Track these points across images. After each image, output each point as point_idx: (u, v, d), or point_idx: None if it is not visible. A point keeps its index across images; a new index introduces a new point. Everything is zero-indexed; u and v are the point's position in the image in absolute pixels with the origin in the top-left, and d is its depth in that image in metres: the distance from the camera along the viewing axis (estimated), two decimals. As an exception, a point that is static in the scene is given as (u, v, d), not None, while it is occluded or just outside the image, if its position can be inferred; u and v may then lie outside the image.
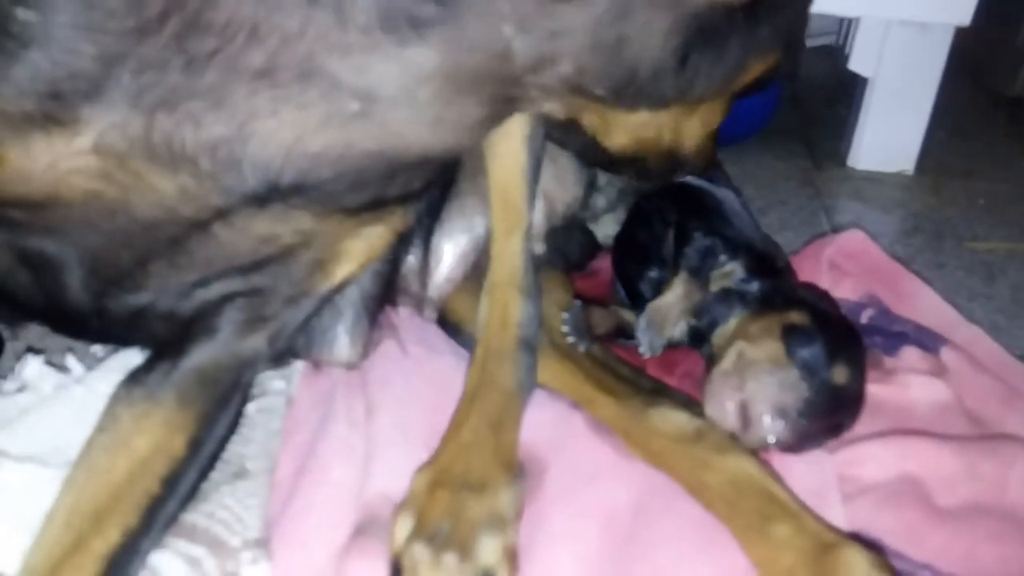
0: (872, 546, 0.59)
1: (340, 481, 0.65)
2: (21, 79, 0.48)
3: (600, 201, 0.88)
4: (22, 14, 0.47)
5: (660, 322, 0.74)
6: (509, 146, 0.69)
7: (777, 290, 0.73)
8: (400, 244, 0.72)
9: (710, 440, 0.66)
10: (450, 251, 0.76)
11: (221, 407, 0.61)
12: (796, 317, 0.68)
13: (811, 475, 0.66)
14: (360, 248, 0.63)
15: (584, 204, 0.85)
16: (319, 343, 0.71)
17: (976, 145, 1.44)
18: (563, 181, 0.81)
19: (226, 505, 0.59)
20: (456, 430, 0.67)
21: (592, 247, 0.92)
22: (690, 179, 0.85)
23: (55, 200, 0.52)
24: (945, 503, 0.66)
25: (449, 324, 0.80)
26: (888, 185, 1.28)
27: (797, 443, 0.65)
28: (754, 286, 0.74)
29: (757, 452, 0.65)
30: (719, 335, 0.73)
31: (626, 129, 0.67)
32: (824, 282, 0.89)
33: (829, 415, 0.65)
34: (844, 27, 1.45)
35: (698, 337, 0.76)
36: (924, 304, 0.89)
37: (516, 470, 0.64)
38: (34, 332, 0.74)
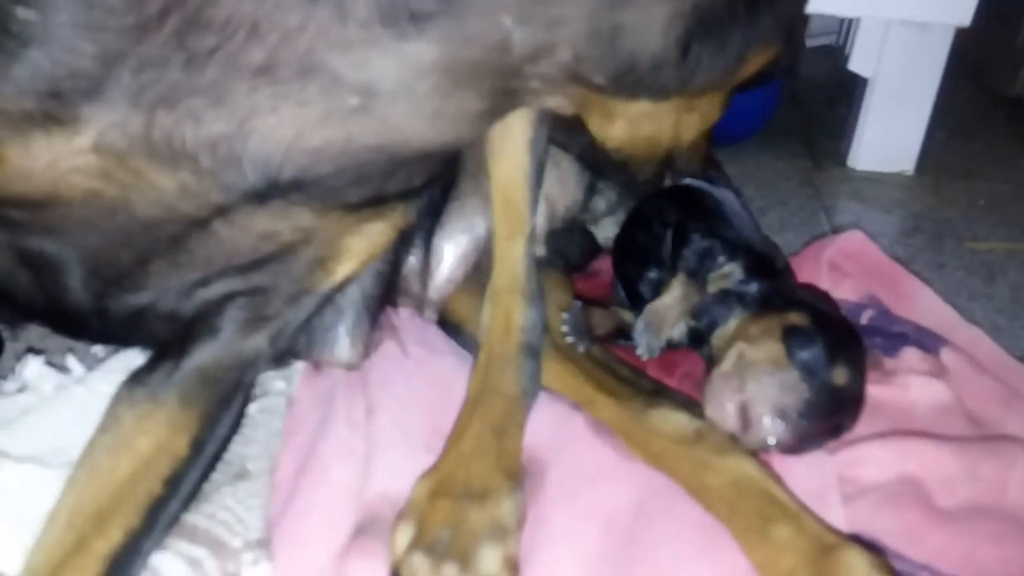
0: (872, 547, 0.59)
1: (340, 481, 0.65)
2: (21, 78, 0.48)
3: (600, 204, 0.88)
4: (22, 13, 0.47)
5: (658, 324, 0.74)
6: (512, 150, 0.69)
7: (776, 291, 0.73)
8: (401, 244, 0.72)
9: (710, 441, 0.66)
10: (451, 252, 0.76)
11: (223, 407, 0.61)
12: (796, 318, 0.68)
13: (811, 476, 0.66)
14: (361, 245, 0.63)
15: (584, 207, 0.86)
16: (320, 344, 0.72)
17: (976, 145, 1.44)
18: (565, 184, 0.81)
19: (227, 506, 0.59)
20: (458, 437, 0.67)
21: (592, 248, 0.92)
22: (690, 180, 0.85)
23: (55, 199, 0.52)
24: (945, 504, 0.66)
25: (450, 325, 0.80)
26: (888, 185, 1.28)
27: (797, 444, 0.65)
28: (753, 287, 0.74)
29: (757, 453, 0.65)
30: (719, 336, 0.73)
31: (627, 122, 0.67)
32: (824, 283, 0.89)
33: (829, 416, 0.65)
34: (844, 27, 1.45)
35: (698, 338, 0.76)
36: (924, 305, 0.89)
37: (518, 477, 0.64)
38: (34, 333, 0.74)
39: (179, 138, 0.51)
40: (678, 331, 0.76)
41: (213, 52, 0.49)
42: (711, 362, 0.71)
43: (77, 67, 0.48)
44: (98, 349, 0.73)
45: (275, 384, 0.73)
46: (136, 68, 0.49)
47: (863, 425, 0.69)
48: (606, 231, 0.91)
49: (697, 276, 0.76)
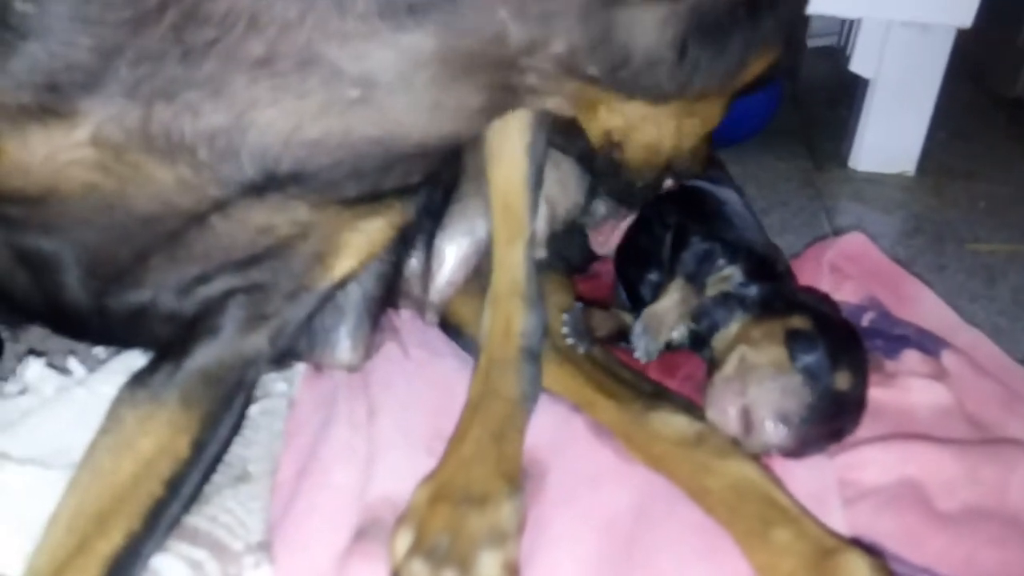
0: (872, 550, 0.59)
1: (342, 484, 0.65)
2: (18, 71, 0.48)
3: (600, 206, 0.88)
4: (20, 6, 0.47)
5: (655, 328, 0.74)
6: (510, 154, 0.69)
7: (777, 294, 0.73)
8: (402, 245, 0.72)
9: (711, 444, 0.66)
10: (452, 254, 0.76)
11: (225, 407, 0.61)
12: (798, 322, 0.68)
13: (811, 479, 0.66)
14: (360, 242, 0.63)
15: (585, 209, 0.86)
16: (321, 345, 0.72)
17: (977, 147, 1.44)
18: (566, 186, 0.81)
19: (228, 508, 0.59)
20: (458, 442, 0.67)
21: (592, 251, 0.92)
22: (693, 181, 0.85)
23: (52, 193, 0.52)
24: (946, 507, 0.66)
25: (450, 326, 0.80)
26: (889, 186, 1.28)
27: (799, 448, 0.65)
28: (753, 290, 0.74)
29: (758, 456, 0.65)
30: (720, 339, 0.73)
31: (627, 125, 0.67)
32: (825, 285, 0.89)
33: (831, 420, 0.65)
34: (845, 28, 1.45)
35: (699, 341, 0.76)
36: (925, 307, 0.89)
37: (519, 482, 0.64)
38: (35, 334, 0.74)
39: (177, 131, 0.51)
40: (678, 333, 0.76)
41: (211, 45, 0.49)
42: (712, 365, 0.71)
43: (74, 60, 0.48)
44: (99, 351, 0.74)
45: (276, 386, 0.73)
46: (134, 61, 0.49)
47: (864, 428, 0.69)
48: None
49: (696, 279, 0.76)
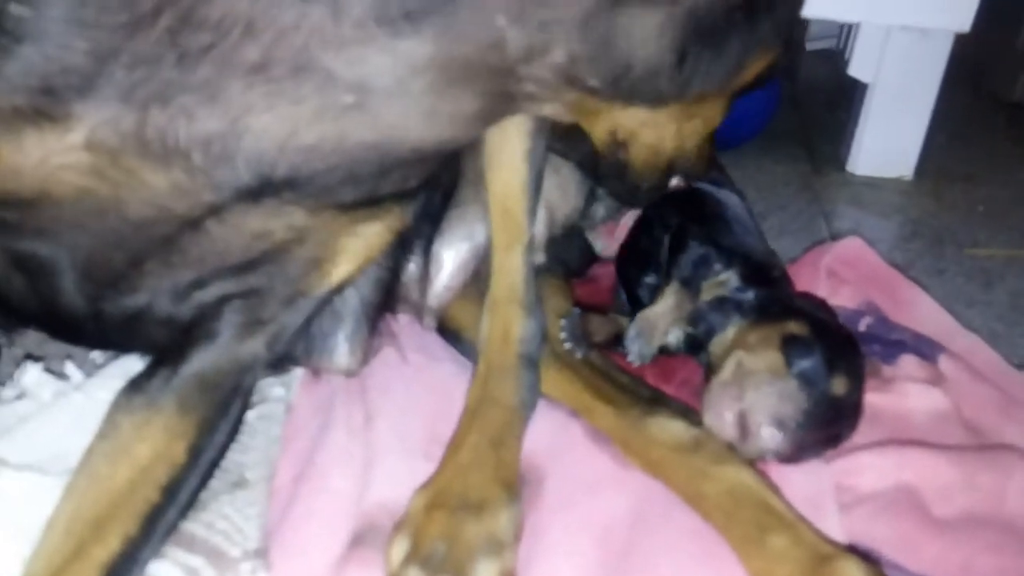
0: (869, 557, 0.59)
1: (339, 489, 0.65)
2: (13, 74, 0.48)
3: (599, 210, 0.88)
4: (15, 9, 0.47)
5: (649, 332, 0.74)
6: (509, 161, 0.70)
7: (774, 299, 0.73)
8: (400, 250, 0.72)
9: (708, 450, 0.66)
10: (450, 259, 0.76)
11: (221, 413, 0.61)
12: (795, 327, 0.68)
13: (808, 484, 0.66)
14: (357, 247, 0.63)
15: (584, 213, 0.86)
16: (319, 350, 0.72)
17: (976, 150, 1.45)
18: (565, 191, 0.81)
19: (225, 515, 0.59)
20: (455, 449, 0.66)
21: (591, 254, 0.92)
22: (696, 183, 0.85)
23: (46, 197, 0.52)
24: (942, 513, 0.66)
25: (448, 331, 0.80)
26: (887, 190, 1.28)
27: (795, 453, 0.65)
28: (750, 295, 0.74)
29: (755, 462, 0.65)
30: (717, 344, 0.73)
31: (627, 129, 0.67)
32: (822, 290, 0.89)
33: (827, 426, 0.65)
34: (844, 32, 1.45)
35: (695, 345, 0.76)
36: (922, 312, 0.89)
37: (516, 489, 0.64)
38: (32, 339, 0.73)
39: (172, 136, 0.51)
40: (675, 338, 0.76)
41: (207, 50, 0.49)
42: (709, 370, 0.71)
43: (70, 63, 0.48)
44: (96, 355, 0.73)
45: (274, 391, 0.73)
46: (129, 65, 0.49)
47: (860, 433, 0.69)
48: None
49: (692, 284, 0.76)
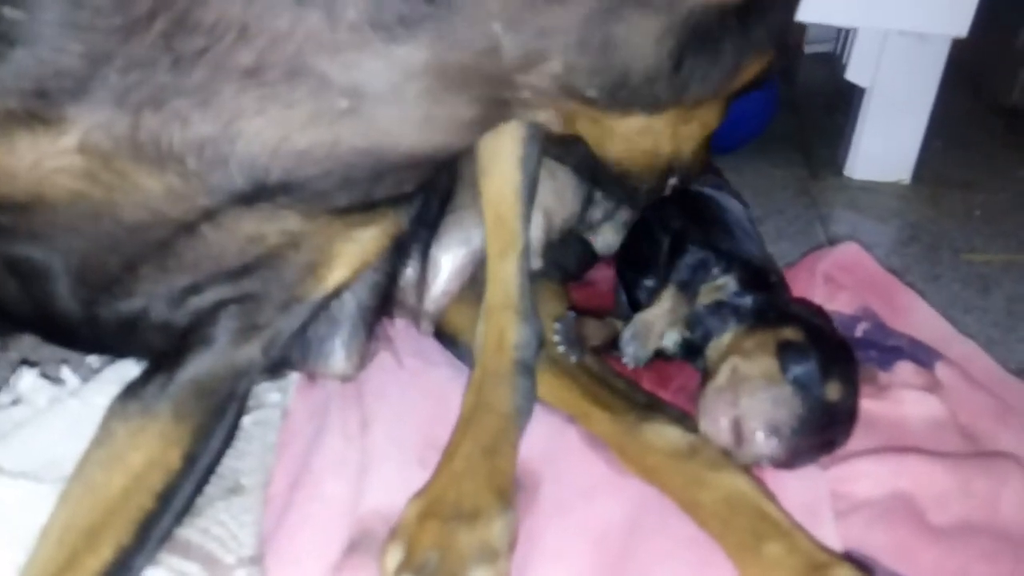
0: (864, 565, 0.59)
1: (334, 495, 0.64)
2: (6, 77, 0.48)
3: (597, 213, 0.88)
4: (9, 12, 0.47)
5: (644, 335, 0.74)
6: (503, 167, 0.70)
7: (771, 305, 0.74)
8: (396, 255, 0.72)
9: (704, 456, 0.66)
10: (447, 264, 0.76)
11: (217, 419, 0.61)
12: (790, 333, 0.68)
13: (804, 491, 0.66)
14: (353, 251, 0.63)
15: (581, 217, 0.86)
16: (315, 355, 0.71)
17: (973, 155, 1.44)
18: (562, 196, 0.81)
19: (221, 521, 0.59)
20: (450, 456, 0.66)
21: (589, 257, 0.92)
22: (698, 187, 0.85)
23: (39, 201, 0.52)
24: (938, 520, 0.66)
25: (446, 336, 0.80)
26: (884, 195, 1.28)
27: (790, 460, 0.65)
28: (747, 300, 0.74)
29: (750, 468, 0.65)
30: (713, 348, 0.73)
31: (624, 135, 0.67)
32: (819, 295, 0.89)
33: (822, 432, 0.66)
34: (842, 36, 1.45)
35: (692, 350, 0.76)
36: (919, 318, 0.89)
37: (511, 497, 0.64)
38: (27, 343, 0.73)
39: (166, 139, 0.51)
40: (672, 342, 0.76)
41: (201, 54, 0.49)
42: (706, 375, 0.71)
43: (63, 66, 0.48)
44: (92, 360, 0.73)
45: (270, 396, 0.73)
46: (123, 68, 0.49)
47: (856, 440, 0.69)
48: (606, 237, 0.91)
49: (689, 287, 0.76)
